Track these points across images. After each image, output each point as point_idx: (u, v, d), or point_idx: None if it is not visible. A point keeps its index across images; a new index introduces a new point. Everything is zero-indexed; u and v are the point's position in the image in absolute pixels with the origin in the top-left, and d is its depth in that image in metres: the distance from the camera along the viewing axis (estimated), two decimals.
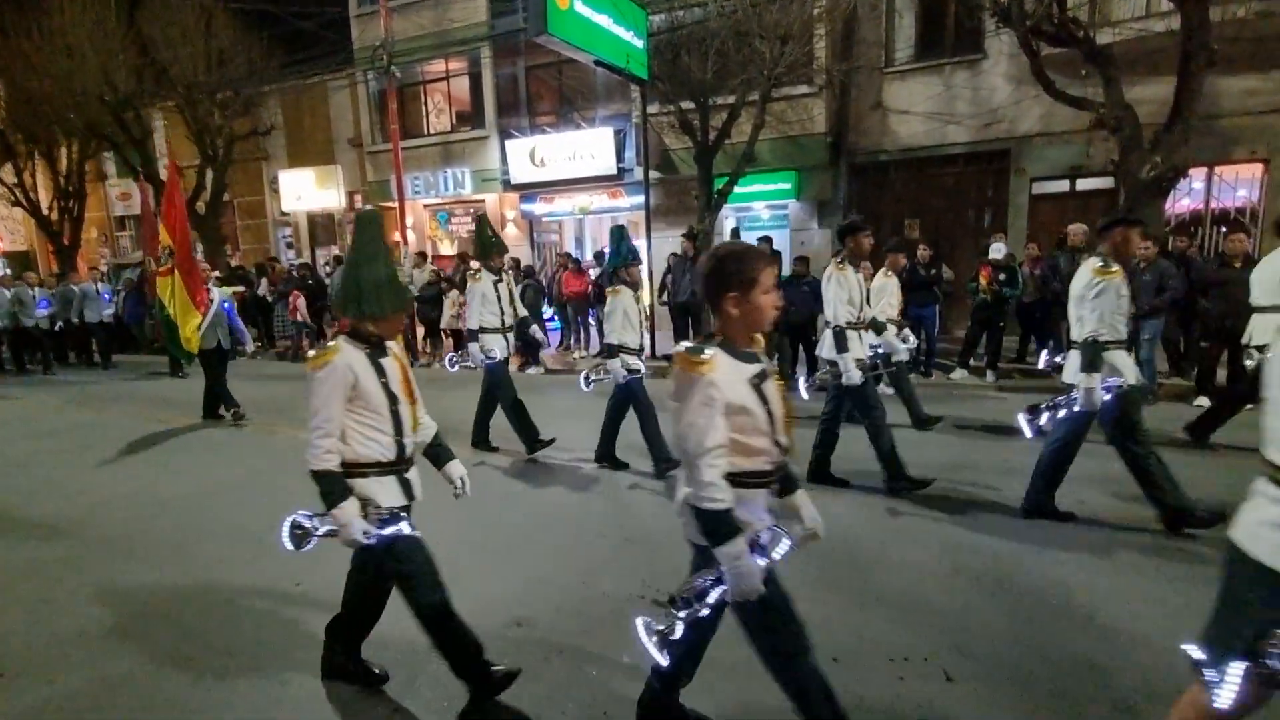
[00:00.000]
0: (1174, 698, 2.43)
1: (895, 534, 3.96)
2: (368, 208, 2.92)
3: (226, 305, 7.40)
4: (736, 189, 10.70)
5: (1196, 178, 9.92)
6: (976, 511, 4.23)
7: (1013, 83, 10.61)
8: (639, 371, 5.11)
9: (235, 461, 5.96)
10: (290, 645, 2.99)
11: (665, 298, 9.84)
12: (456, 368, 6.46)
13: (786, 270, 8.63)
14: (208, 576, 3.69)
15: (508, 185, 14.21)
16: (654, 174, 11.54)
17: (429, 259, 12.36)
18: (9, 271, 14.30)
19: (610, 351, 5.08)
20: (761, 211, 12.95)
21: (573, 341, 11.52)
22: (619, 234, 5.27)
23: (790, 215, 12.51)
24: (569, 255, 11.74)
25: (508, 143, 13.92)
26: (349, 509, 2.27)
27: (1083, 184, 10.79)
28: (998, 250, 8.25)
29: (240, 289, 12.16)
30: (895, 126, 11.63)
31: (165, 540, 4.22)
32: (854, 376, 4.38)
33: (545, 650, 2.85)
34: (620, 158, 12.81)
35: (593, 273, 10.75)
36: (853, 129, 11.90)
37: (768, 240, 9.96)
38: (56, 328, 12.23)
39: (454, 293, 10.73)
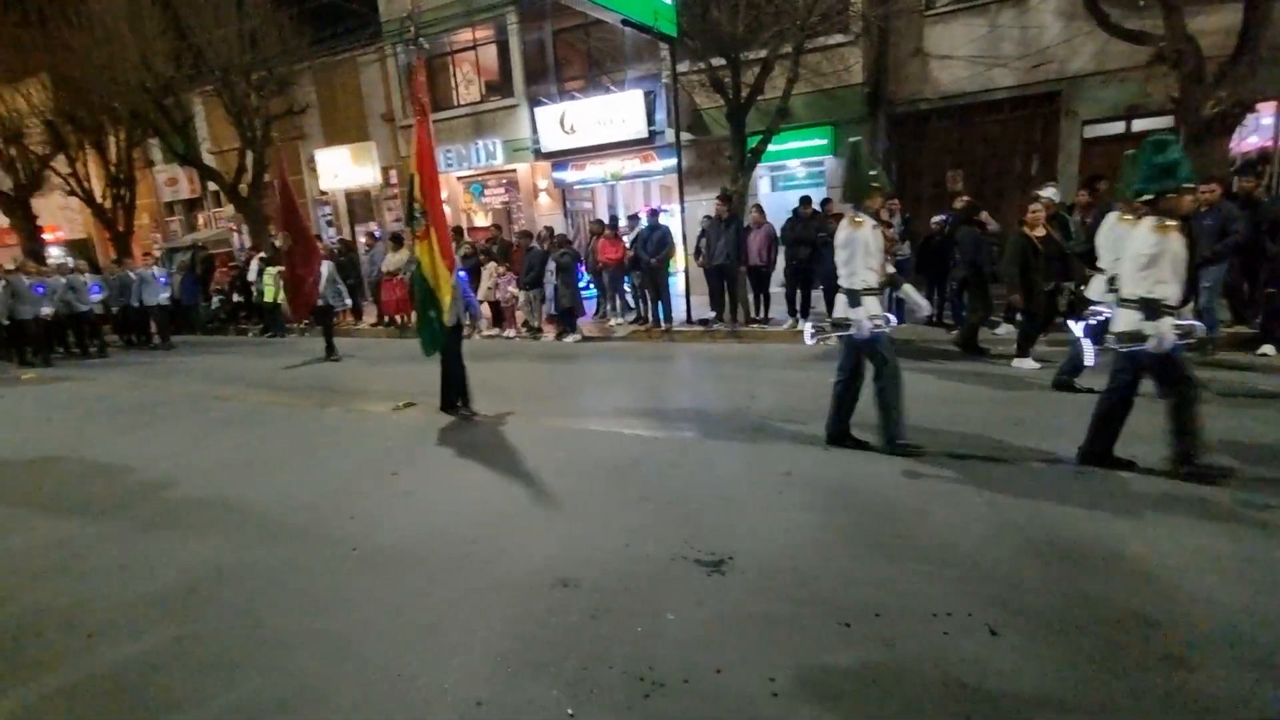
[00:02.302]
0: (1226, 651, 2.40)
1: (938, 493, 3.93)
2: None
3: (463, 274, 6.33)
4: (771, 147, 10.41)
5: (1265, 113, 9.28)
6: (1024, 471, 4.17)
7: (1063, 19, 10.02)
8: (1190, 334, 3.81)
9: (282, 434, 6.20)
10: (353, 606, 3.14)
11: (701, 261, 9.77)
12: (815, 340, 4.92)
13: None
14: (272, 542, 3.89)
15: (539, 154, 14.16)
16: (686, 135, 11.33)
17: (465, 234, 12.45)
18: (70, 260, 14.95)
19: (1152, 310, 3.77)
20: (797, 169, 12.64)
21: (609, 309, 11.54)
22: (1158, 149, 3.80)
23: (827, 172, 12.16)
24: (602, 222, 11.69)
25: (537, 110, 13.82)
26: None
27: (1139, 124, 10.17)
28: (1051, 195, 7.88)
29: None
30: (936, 73, 11.13)
31: (231, 508, 4.44)
32: None
33: (590, 609, 2.93)
34: (651, 120, 12.60)
35: (627, 239, 10.69)
36: (891, 78, 11.44)
37: (806, 200, 9.73)
38: (112, 311, 12.88)
39: (491, 265, 10.84)
